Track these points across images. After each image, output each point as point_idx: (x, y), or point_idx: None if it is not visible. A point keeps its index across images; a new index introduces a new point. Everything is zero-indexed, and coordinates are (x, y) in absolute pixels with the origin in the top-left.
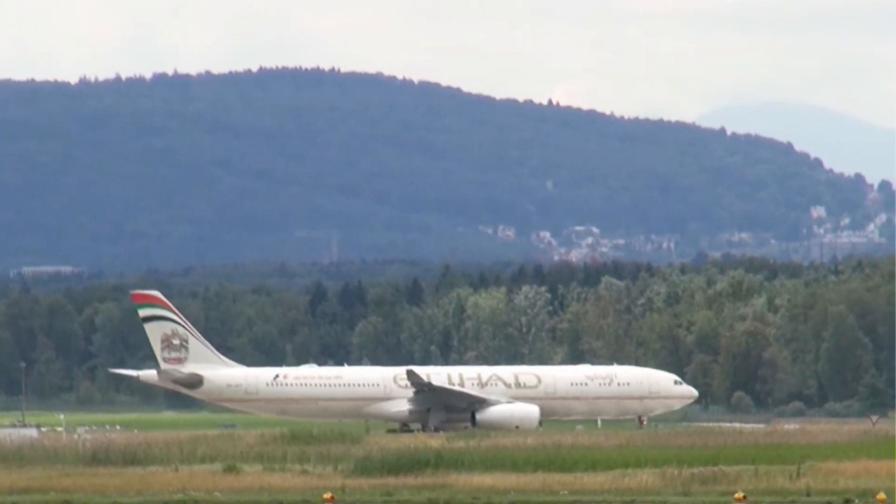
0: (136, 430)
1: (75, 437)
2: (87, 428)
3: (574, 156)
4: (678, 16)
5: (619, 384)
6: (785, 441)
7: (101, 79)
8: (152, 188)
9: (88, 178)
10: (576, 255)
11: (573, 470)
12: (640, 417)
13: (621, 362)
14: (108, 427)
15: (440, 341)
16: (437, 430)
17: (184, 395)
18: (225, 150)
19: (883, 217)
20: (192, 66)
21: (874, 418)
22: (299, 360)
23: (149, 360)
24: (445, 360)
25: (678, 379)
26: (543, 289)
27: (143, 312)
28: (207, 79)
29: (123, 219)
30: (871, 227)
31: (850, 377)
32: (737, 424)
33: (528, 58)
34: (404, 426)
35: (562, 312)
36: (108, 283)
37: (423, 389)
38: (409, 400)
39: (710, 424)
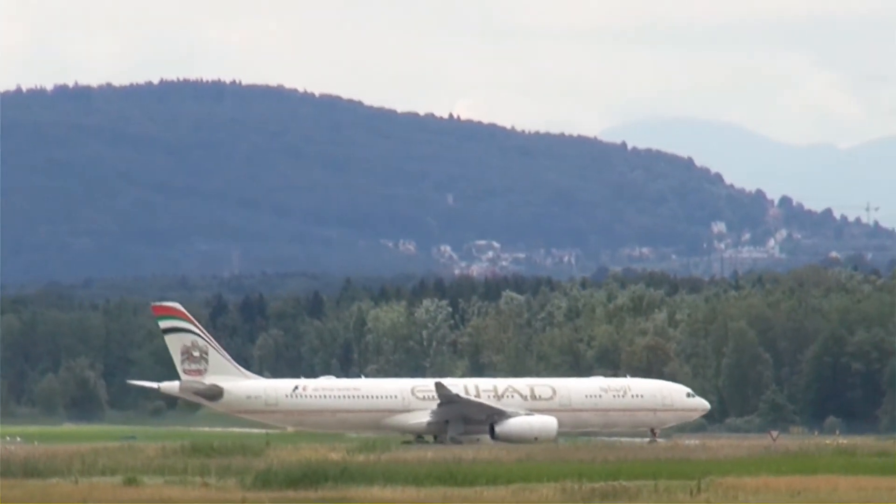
0: (36, 442)
1: None
2: None
3: (475, 170)
4: (580, 31)
5: (632, 396)
6: (685, 456)
7: (1, 90)
8: (53, 200)
9: None
10: (476, 269)
11: (474, 484)
12: (652, 430)
13: (521, 376)
14: (8, 439)
15: (341, 354)
16: (454, 441)
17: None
18: (126, 163)
19: (783, 233)
20: (93, 78)
21: (774, 434)
22: None
23: (49, 371)
24: (346, 374)
25: (690, 392)
26: (444, 302)
27: (163, 324)
28: (108, 91)
29: (24, 231)
30: (772, 242)
31: (750, 392)
32: (637, 439)
33: (429, 71)
34: (419, 438)
35: (462, 326)
36: (9, 295)
37: (449, 401)
38: (432, 412)
39: (611, 439)
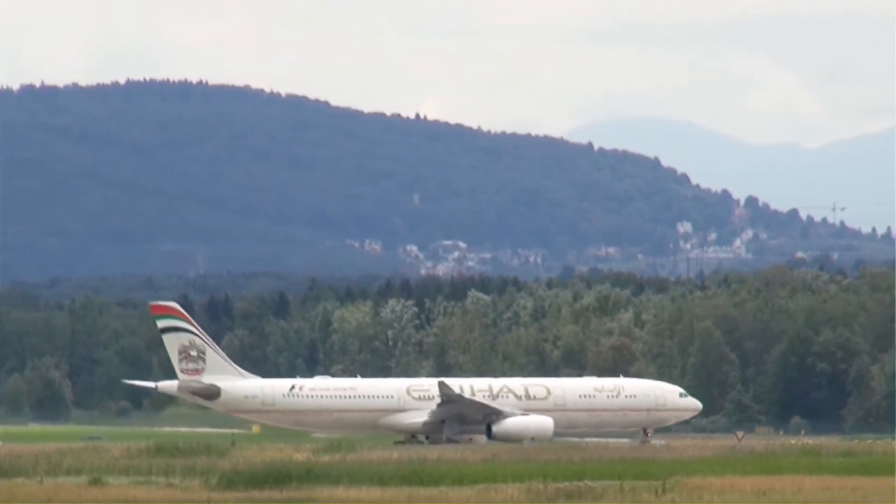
0: (1, 442)
1: None
2: None
3: (441, 170)
4: (546, 31)
5: (626, 396)
6: (651, 456)
7: None
8: (19, 200)
9: None
10: (442, 269)
11: (439, 484)
12: (644, 430)
13: (487, 377)
14: None
15: (306, 354)
16: (450, 441)
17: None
18: (92, 163)
19: (749, 233)
20: (59, 77)
21: (739, 434)
22: (166, 374)
23: (15, 371)
24: (311, 374)
25: (683, 391)
26: (410, 303)
27: (161, 324)
28: (75, 91)
29: None
30: (738, 242)
31: (716, 392)
32: (602, 439)
33: (395, 71)
34: (412, 437)
35: (428, 326)
36: None
37: (450, 401)
38: (431, 412)
39: (576, 439)
